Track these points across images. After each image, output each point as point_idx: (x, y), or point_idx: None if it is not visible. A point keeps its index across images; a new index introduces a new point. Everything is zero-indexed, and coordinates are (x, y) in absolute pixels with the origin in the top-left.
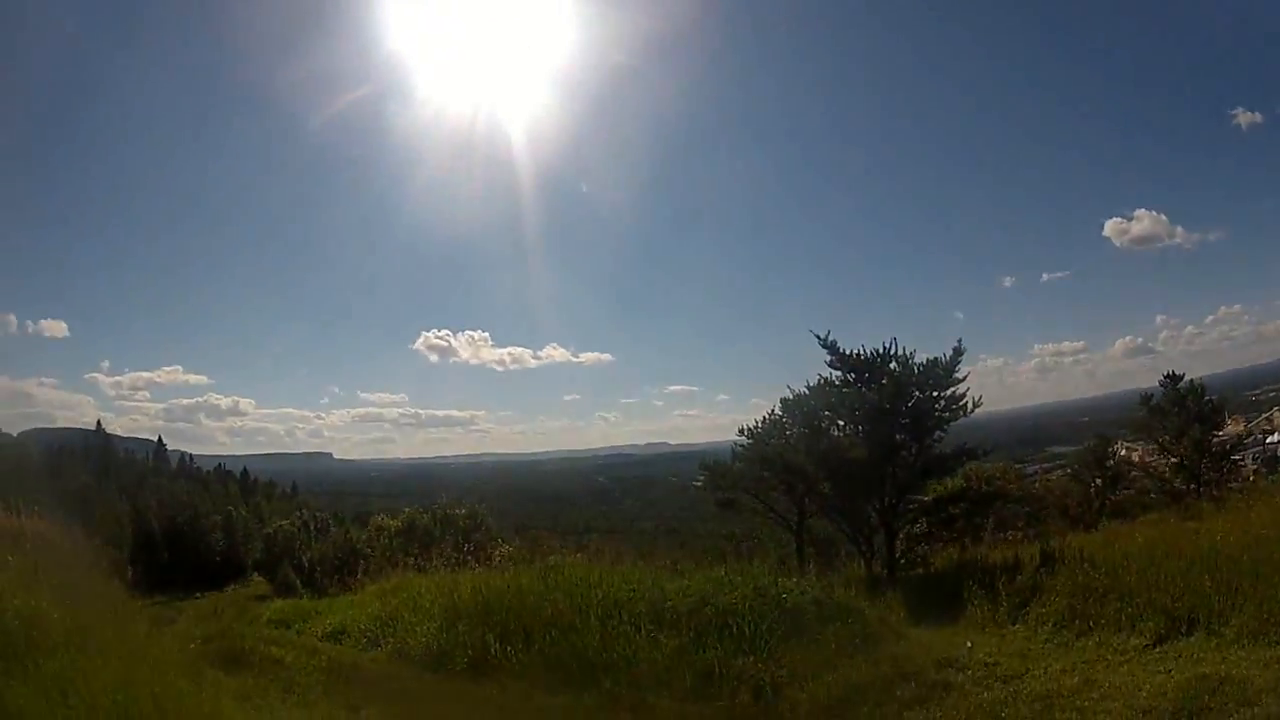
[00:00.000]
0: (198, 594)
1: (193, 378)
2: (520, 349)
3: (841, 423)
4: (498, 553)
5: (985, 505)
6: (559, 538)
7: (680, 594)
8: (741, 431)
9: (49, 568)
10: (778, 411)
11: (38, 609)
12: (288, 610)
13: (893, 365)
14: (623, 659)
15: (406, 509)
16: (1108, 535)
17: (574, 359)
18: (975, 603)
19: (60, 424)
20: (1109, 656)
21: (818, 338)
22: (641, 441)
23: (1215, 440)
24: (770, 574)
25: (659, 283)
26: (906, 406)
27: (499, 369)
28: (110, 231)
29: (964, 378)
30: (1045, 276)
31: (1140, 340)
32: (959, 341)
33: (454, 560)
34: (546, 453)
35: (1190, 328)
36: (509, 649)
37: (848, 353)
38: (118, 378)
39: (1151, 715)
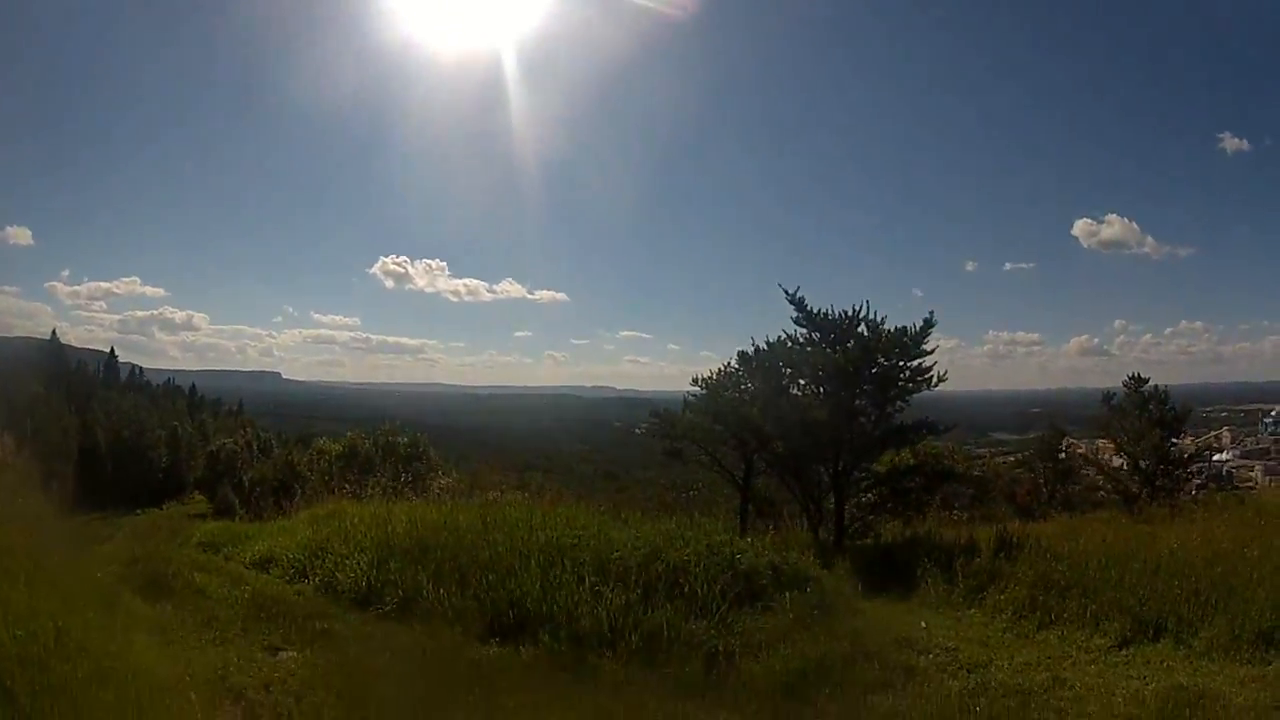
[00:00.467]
0: (138, 510)
1: (150, 290)
2: (476, 281)
3: (803, 381)
4: (436, 484)
5: (939, 482)
6: (500, 473)
7: (628, 545)
8: (695, 381)
9: None
10: (734, 364)
11: None
12: (218, 533)
13: (861, 329)
14: (563, 612)
15: (349, 433)
16: (1064, 528)
17: (529, 295)
18: (929, 581)
19: (17, 333)
20: (1074, 654)
21: (785, 292)
22: (589, 384)
23: (1173, 448)
24: (724, 532)
25: (619, 229)
26: (871, 372)
27: (454, 299)
28: (77, 139)
29: (932, 350)
30: (1008, 265)
31: (1096, 341)
32: (930, 314)
33: (391, 489)
34: (494, 386)
35: (1148, 336)
36: (442, 591)
37: (815, 311)
38: (76, 287)
39: None
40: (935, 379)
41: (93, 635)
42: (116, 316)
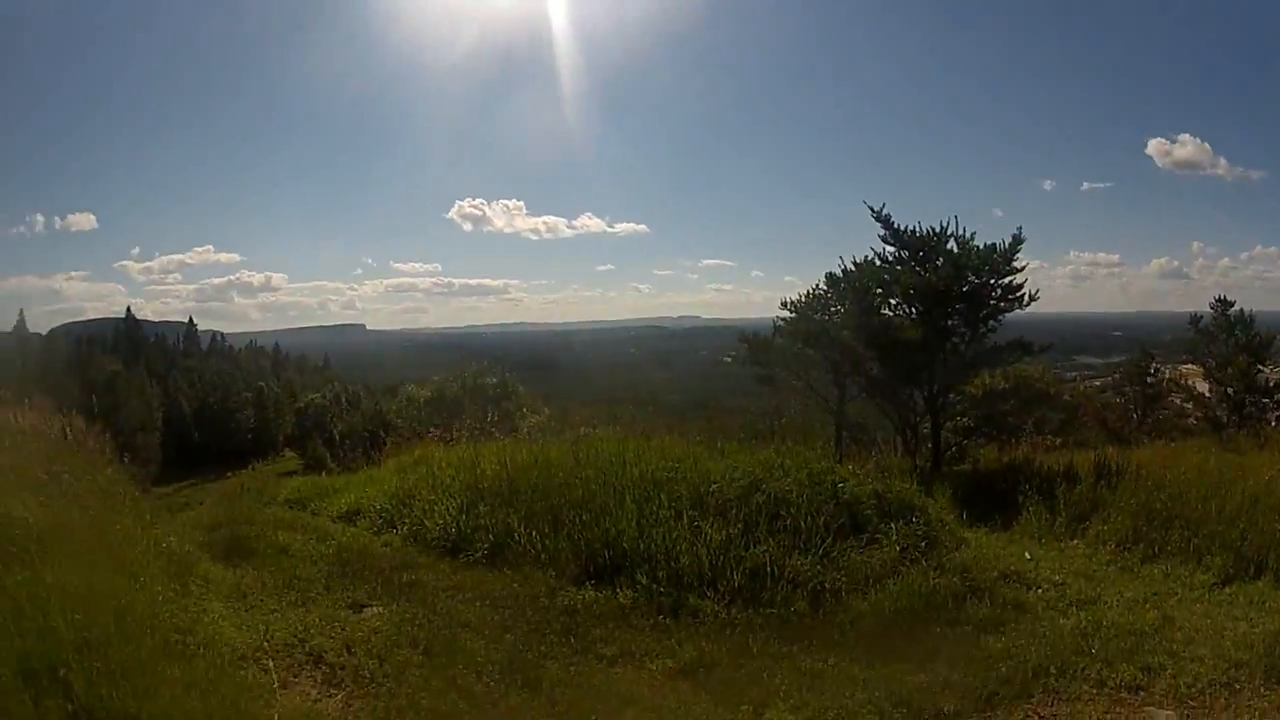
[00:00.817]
0: (229, 474)
1: (224, 256)
2: (555, 218)
3: (893, 301)
4: (526, 423)
5: (1033, 406)
6: (590, 408)
7: (726, 477)
8: (784, 305)
9: (37, 466)
10: (822, 287)
11: (12, 515)
12: (305, 488)
13: (950, 245)
14: (661, 550)
15: (436, 378)
16: (1159, 455)
17: (609, 229)
18: (1031, 510)
19: (89, 315)
20: (1179, 590)
21: (871, 210)
22: (674, 314)
23: (1260, 375)
24: (825, 460)
25: (697, 155)
26: (962, 291)
27: (533, 238)
28: (136, 119)
29: (1022, 268)
30: (1086, 185)
31: (1175, 264)
32: (1018, 230)
33: (479, 430)
34: (578, 322)
35: (1225, 260)
36: (534, 534)
37: (902, 228)
38: (148, 263)
39: (1244, 670)
40: (1027, 298)
41: (161, 610)
42: (192, 286)
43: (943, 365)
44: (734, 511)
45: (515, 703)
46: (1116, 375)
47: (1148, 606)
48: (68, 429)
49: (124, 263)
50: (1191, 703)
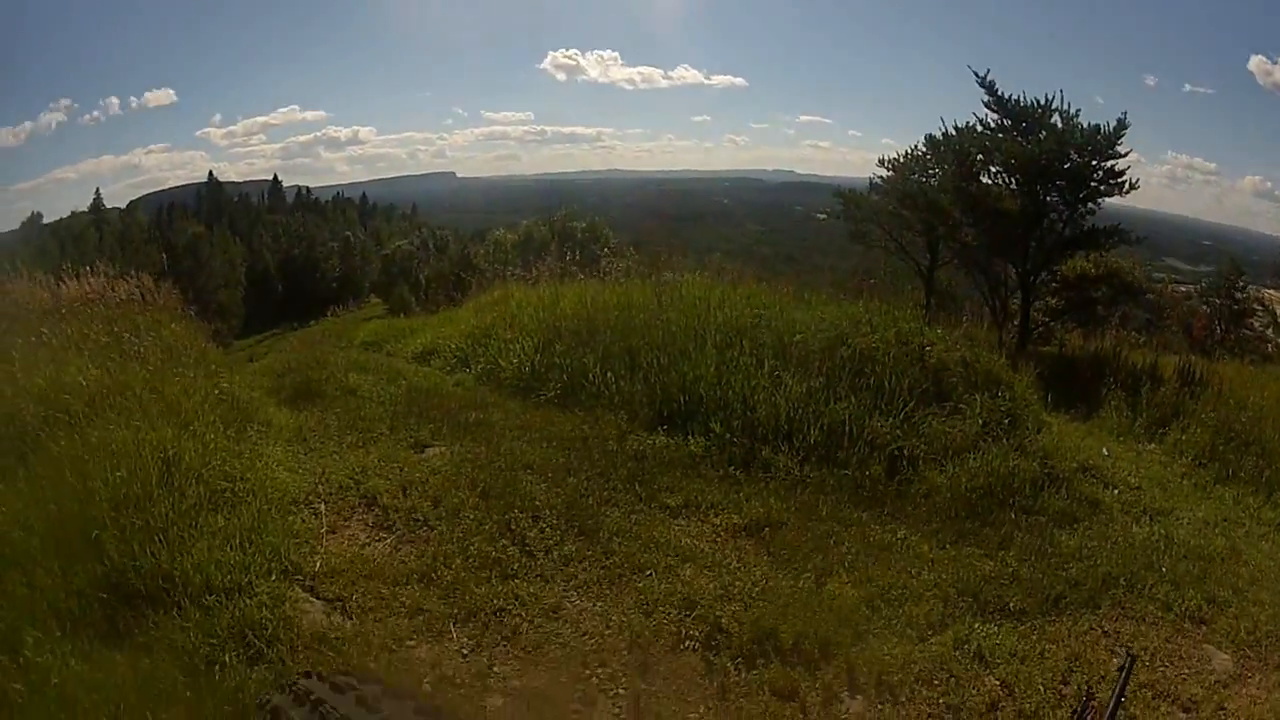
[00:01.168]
0: (312, 322)
1: (309, 114)
2: (650, 69)
3: (993, 170)
4: (612, 266)
5: (1124, 298)
6: (678, 254)
7: (811, 328)
8: (881, 163)
9: (100, 331)
10: (921, 148)
11: (63, 381)
12: (382, 330)
13: (1054, 120)
14: (738, 399)
15: (524, 223)
16: (1241, 374)
17: (706, 81)
18: (1113, 404)
19: (170, 184)
20: (1248, 523)
21: (976, 75)
22: (769, 168)
23: None
24: (913, 321)
25: (800, 7)
26: (1064, 168)
27: (628, 88)
28: None
29: (1125, 154)
30: (1188, 88)
31: (1269, 185)
32: (1123, 114)
33: (562, 271)
34: (673, 171)
35: None
36: (609, 375)
37: (1007, 96)
38: (230, 128)
39: None
40: (1127, 185)
41: (212, 458)
42: (277, 145)
43: (1039, 241)
44: (817, 364)
45: (569, 551)
46: (1204, 284)
47: (1217, 532)
48: (138, 290)
49: (205, 130)
50: (1249, 651)
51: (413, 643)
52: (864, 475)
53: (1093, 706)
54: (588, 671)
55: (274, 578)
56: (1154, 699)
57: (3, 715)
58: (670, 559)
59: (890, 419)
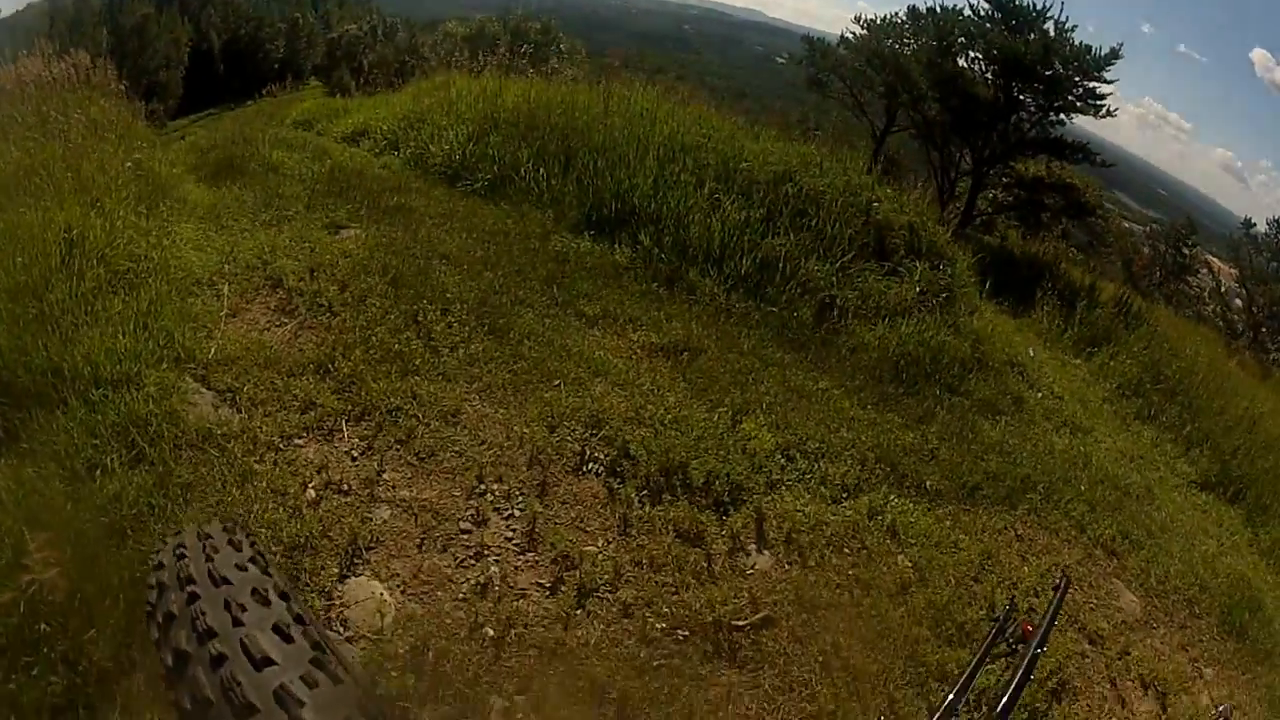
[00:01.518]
0: (249, 102)
1: None
2: None
3: (972, 55)
4: (561, 69)
5: (1077, 213)
6: (631, 70)
7: (759, 158)
8: (857, 20)
9: (28, 112)
10: (902, 16)
11: None
12: (315, 110)
13: (1047, 27)
14: (672, 216)
15: (479, 16)
16: (1176, 326)
17: None
18: (1046, 309)
19: None
20: (1163, 468)
21: None
22: (738, 4)
23: None
24: (864, 173)
25: None
26: (1046, 74)
27: None
28: None
29: (1113, 82)
30: (1183, 47)
31: (1239, 165)
32: (1119, 45)
33: (510, 67)
34: None
35: None
36: (542, 171)
37: None
38: None
39: (1206, 594)
40: (1105, 110)
41: (119, 237)
42: None
43: (1002, 134)
44: (759, 196)
45: (476, 350)
46: (1152, 228)
47: (1133, 468)
48: (73, 69)
49: None
50: (1156, 600)
51: (301, 441)
52: (792, 316)
53: (1015, 619)
54: (483, 486)
55: (164, 367)
56: (1063, 622)
57: None
58: (581, 371)
59: (827, 265)
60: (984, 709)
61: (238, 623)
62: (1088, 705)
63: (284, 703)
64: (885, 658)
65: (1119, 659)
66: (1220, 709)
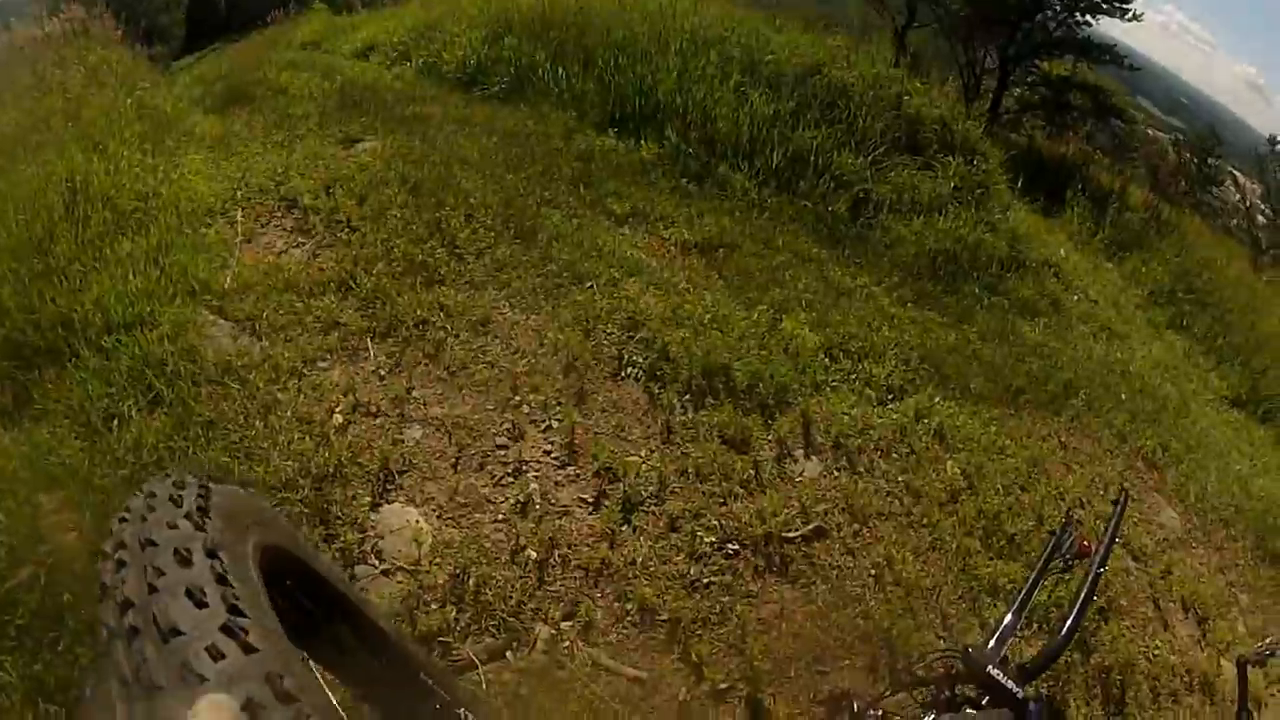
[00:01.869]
0: (253, 33)
1: None
2: None
3: None
4: None
5: (1103, 115)
6: None
7: (785, 50)
8: None
9: (24, 73)
10: None
11: None
12: (322, 30)
13: None
14: (698, 110)
15: None
16: (1206, 235)
17: None
18: (1077, 211)
19: None
20: (1195, 381)
21: None
22: None
23: None
24: (891, 65)
25: None
26: None
27: None
28: None
29: None
30: None
31: (1263, 82)
32: None
33: None
34: None
35: None
36: (561, 70)
37: None
38: None
39: (1241, 518)
40: (1132, 14)
41: (124, 177)
42: None
43: (1027, 32)
44: (787, 89)
45: (503, 255)
46: (1176, 137)
47: (1167, 379)
48: (68, 24)
49: None
50: (1195, 517)
51: (325, 365)
52: (826, 210)
53: (1072, 534)
54: (517, 398)
55: (179, 303)
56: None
57: None
58: (614, 271)
59: (859, 159)
60: (1035, 627)
61: (153, 590)
62: (1132, 626)
63: (185, 679)
64: (938, 571)
65: (1161, 578)
66: (1268, 641)
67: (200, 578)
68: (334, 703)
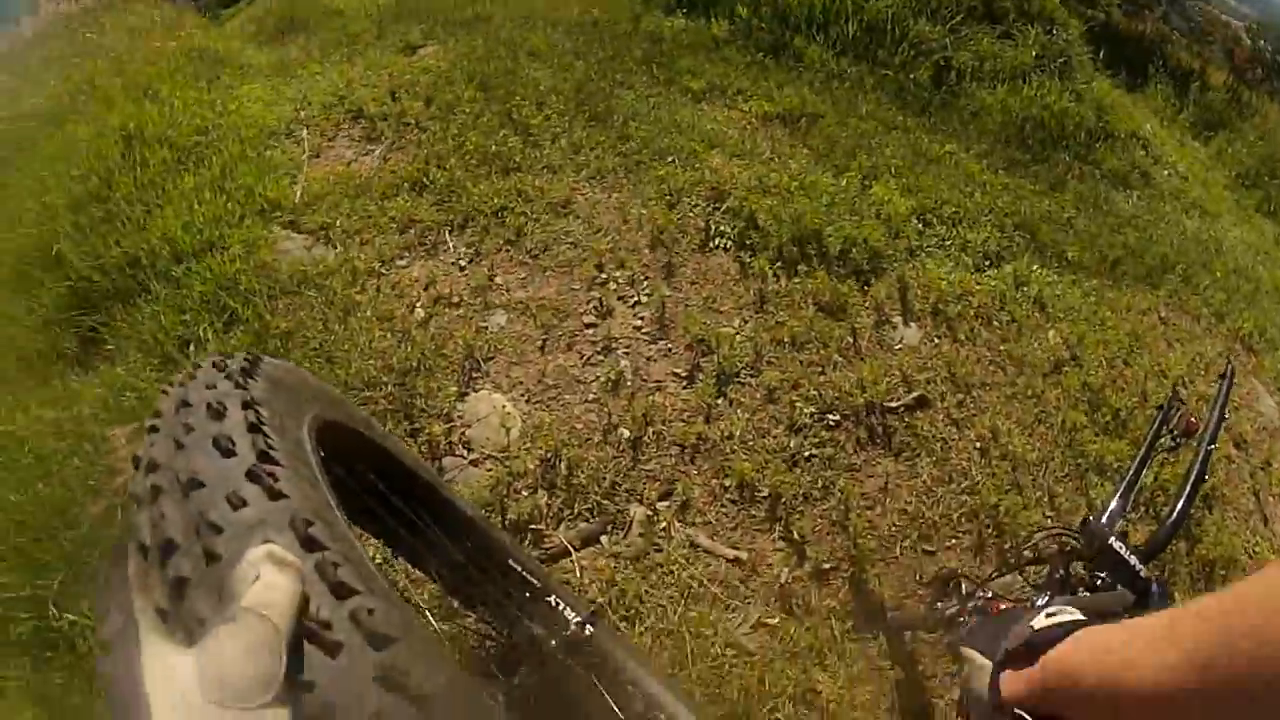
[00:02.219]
0: None
1: None
2: None
3: None
4: None
5: None
6: None
7: None
8: None
9: (65, 47)
10: None
11: (20, 112)
12: None
13: None
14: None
15: None
16: None
17: None
18: (1159, 88)
19: None
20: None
21: None
22: None
23: None
24: None
25: None
26: None
27: None
28: None
29: None
30: None
31: None
32: None
33: None
34: None
35: None
36: None
37: None
38: None
39: None
40: None
41: (180, 117)
42: None
43: None
44: None
45: (579, 138)
46: (1252, 24)
47: (1260, 262)
48: None
49: None
50: None
51: (404, 262)
52: (908, 79)
53: (1179, 410)
54: (603, 275)
55: (248, 223)
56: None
57: None
58: (695, 144)
59: (937, 26)
60: (1142, 510)
61: (179, 446)
62: (1234, 517)
63: (200, 532)
64: (1044, 445)
65: (1262, 469)
66: None
67: (231, 428)
68: (367, 559)
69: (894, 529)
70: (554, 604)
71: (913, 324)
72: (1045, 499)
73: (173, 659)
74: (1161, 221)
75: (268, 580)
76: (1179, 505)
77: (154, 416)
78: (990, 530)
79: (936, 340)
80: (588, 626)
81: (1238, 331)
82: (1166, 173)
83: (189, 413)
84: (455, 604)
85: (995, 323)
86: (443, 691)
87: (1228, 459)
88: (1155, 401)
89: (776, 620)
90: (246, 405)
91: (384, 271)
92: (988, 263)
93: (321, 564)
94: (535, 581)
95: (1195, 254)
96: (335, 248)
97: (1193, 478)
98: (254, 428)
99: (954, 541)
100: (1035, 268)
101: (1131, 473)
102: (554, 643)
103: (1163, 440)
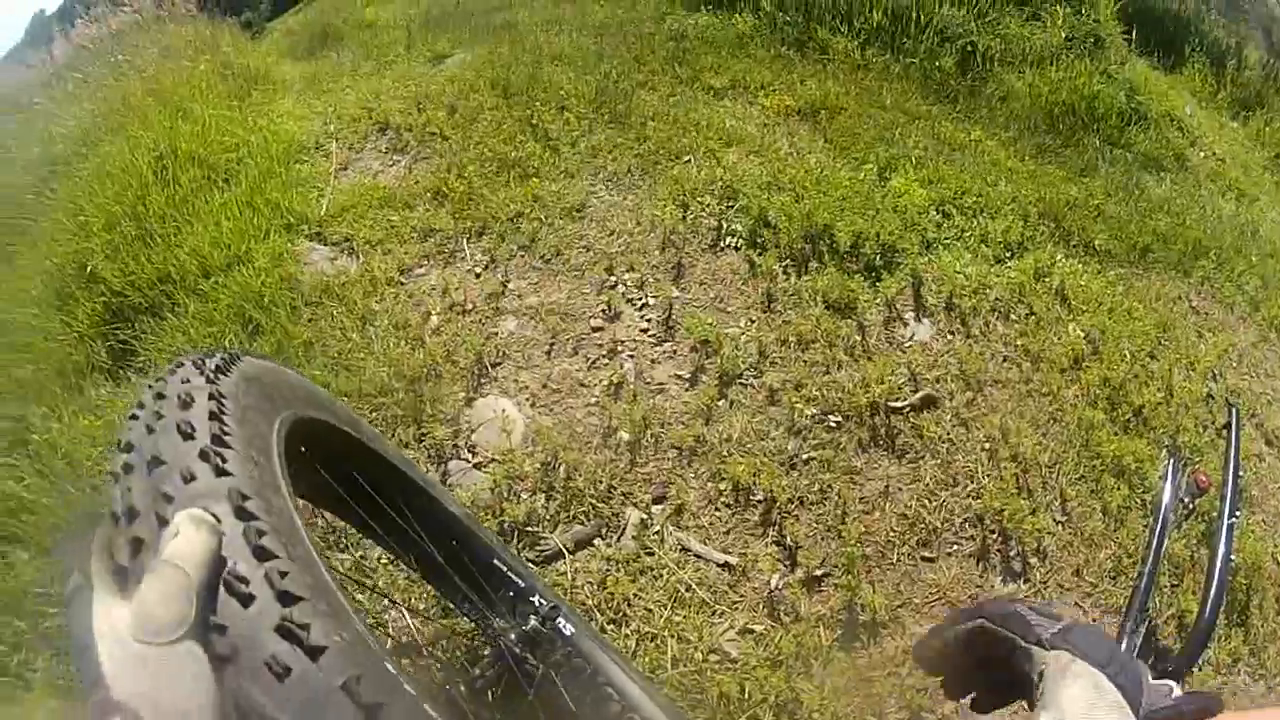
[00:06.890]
0: None
1: None
2: None
3: None
4: None
5: None
6: None
7: None
8: None
9: (101, 66)
10: None
11: (54, 135)
12: None
13: None
14: None
15: None
16: None
17: None
18: (1196, 66)
19: None
20: None
21: None
22: None
23: None
24: None
25: None
26: None
27: None
28: None
29: None
30: None
31: None
32: None
33: None
34: None
35: None
36: None
37: None
38: None
39: None
40: None
41: (213, 134)
42: None
43: None
44: None
45: (598, 141)
46: None
47: None
48: (137, 13)
49: None
50: None
51: (422, 270)
52: (934, 66)
53: (1183, 467)
54: (613, 279)
55: (274, 237)
56: (1242, 414)
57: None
58: (712, 142)
59: (963, 11)
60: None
61: (150, 430)
62: (1263, 521)
63: (155, 501)
64: (1057, 445)
65: None
66: None
67: (194, 416)
68: (300, 532)
69: (892, 534)
70: (535, 602)
71: (925, 320)
72: (1055, 503)
73: (116, 609)
74: (1196, 205)
75: (186, 536)
76: (1210, 597)
77: (136, 406)
78: (994, 536)
79: (949, 336)
80: (564, 625)
81: (1273, 320)
82: (1203, 154)
83: (163, 403)
84: (440, 599)
85: (1013, 316)
86: (338, 646)
87: (1258, 457)
88: (1181, 396)
89: (762, 627)
90: (212, 397)
91: (403, 281)
92: (1008, 254)
93: (248, 531)
94: (519, 580)
95: (1230, 238)
96: (358, 258)
97: (1218, 561)
98: (214, 416)
99: (955, 548)
100: (1059, 257)
101: (1148, 572)
102: (515, 636)
103: (1176, 510)
